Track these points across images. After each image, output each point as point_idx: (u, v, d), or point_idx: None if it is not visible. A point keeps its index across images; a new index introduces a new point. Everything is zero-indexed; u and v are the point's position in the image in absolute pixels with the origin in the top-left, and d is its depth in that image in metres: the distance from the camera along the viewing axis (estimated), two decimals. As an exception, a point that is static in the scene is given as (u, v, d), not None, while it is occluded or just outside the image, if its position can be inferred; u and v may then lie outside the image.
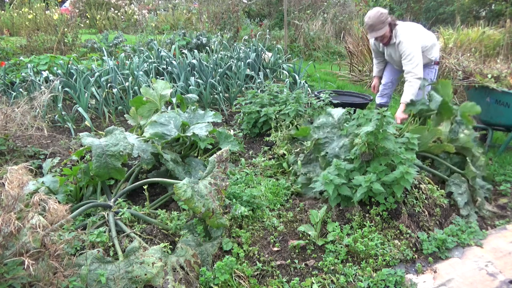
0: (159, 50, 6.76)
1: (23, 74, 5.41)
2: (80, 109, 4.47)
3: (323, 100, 4.62)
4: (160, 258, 2.02)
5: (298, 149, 3.73)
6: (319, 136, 3.23)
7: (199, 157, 3.46)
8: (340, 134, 3.18)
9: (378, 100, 4.37)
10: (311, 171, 3.29)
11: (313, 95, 5.41)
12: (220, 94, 5.30)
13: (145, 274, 1.92)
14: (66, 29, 8.70)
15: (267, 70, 6.78)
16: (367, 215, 2.69)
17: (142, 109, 3.59)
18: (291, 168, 3.53)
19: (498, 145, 4.15)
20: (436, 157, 3.27)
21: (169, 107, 4.40)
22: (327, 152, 3.07)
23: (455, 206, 2.93)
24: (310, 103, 4.62)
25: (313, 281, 2.22)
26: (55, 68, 5.72)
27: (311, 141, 3.32)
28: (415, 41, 3.62)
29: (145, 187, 2.62)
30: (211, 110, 3.73)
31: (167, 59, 6.31)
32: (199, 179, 2.44)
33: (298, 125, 4.14)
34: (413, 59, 3.58)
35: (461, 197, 2.92)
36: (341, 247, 2.44)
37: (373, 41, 3.99)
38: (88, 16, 15.45)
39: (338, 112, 3.33)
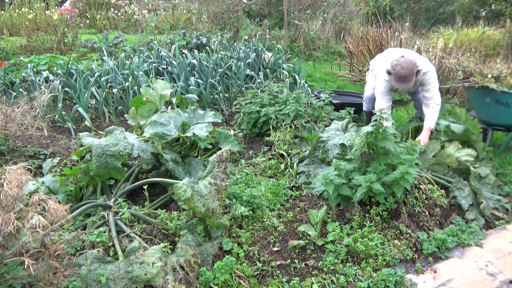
0: (159, 50, 6.76)
1: (23, 74, 5.41)
2: (80, 109, 4.47)
3: (323, 100, 4.63)
4: (160, 258, 2.02)
5: (298, 150, 3.74)
6: (322, 135, 3.46)
7: (199, 157, 3.46)
8: (342, 134, 3.39)
9: (367, 104, 4.18)
10: (311, 171, 3.34)
11: (313, 95, 5.41)
12: (220, 94, 5.30)
13: (145, 274, 1.92)
14: (66, 29, 8.70)
15: (267, 70, 6.78)
16: (367, 215, 2.69)
17: (142, 109, 3.59)
18: (288, 170, 3.53)
19: (498, 145, 4.15)
20: (439, 176, 3.22)
21: (169, 107, 4.41)
22: (327, 143, 3.34)
23: (455, 206, 2.93)
24: (310, 103, 4.62)
25: (313, 281, 2.22)
26: (55, 68, 5.72)
27: (314, 140, 3.42)
28: (434, 69, 3.58)
29: (145, 187, 2.62)
30: (211, 110, 3.73)
31: (167, 59, 6.30)
32: (199, 179, 2.44)
33: (303, 125, 4.16)
34: (436, 86, 3.51)
35: (465, 200, 2.89)
36: (341, 247, 2.44)
37: (387, 83, 3.62)
38: (88, 16, 15.45)
39: (344, 121, 3.71)
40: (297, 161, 3.60)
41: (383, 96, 3.68)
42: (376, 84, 3.81)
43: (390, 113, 3.74)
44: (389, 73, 3.49)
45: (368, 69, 4.18)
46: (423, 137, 3.43)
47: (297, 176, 3.40)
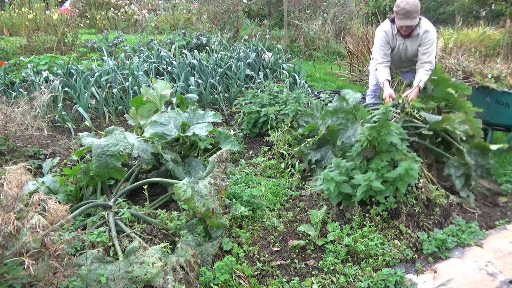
0: (159, 50, 6.76)
1: (23, 74, 5.41)
2: (80, 109, 4.48)
3: (323, 100, 4.63)
4: (160, 258, 2.02)
5: (305, 143, 3.72)
6: (332, 123, 3.14)
7: (199, 157, 3.46)
8: (355, 121, 3.10)
9: (371, 99, 4.26)
10: (324, 156, 3.21)
11: (313, 95, 5.42)
12: (220, 94, 5.30)
13: (145, 274, 1.92)
14: (66, 29, 8.70)
15: (267, 70, 6.78)
16: (367, 215, 2.69)
17: (142, 109, 3.59)
18: (290, 169, 3.52)
19: (498, 145, 4.14)
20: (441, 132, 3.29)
21: (169, 107, 4.40)
22: (343, 142, 3.03)
23: (455, 206, 2.95)
24: (310, 103, 4.62)
25: (313, 281, 2.22)
26: (55, 68, 5.72)
27: (325, 127, 3.20)
28: (435, 32, 3.69)
29: (145, 187, 2.62)
30: (211, 110, 3.73)
31: (167, 59, 6.31)
32: (199, 179, 2.44)
33: (299, 124, 4.14)
34: (433, 50, 3.62)
35: (459, 180, 3.07)
36: (341, 247, 2.44)
37: (385, 35, 3.74)
38: (88, 16, 15.45)
39: (353, 97, 3.17)
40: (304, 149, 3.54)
41: (381, 48, 3.75)
42: (375, 39, 3.89)
43: (387, 65, 3.80)
44: (392, 20, 3.64)
45: (371, 58, 4.20)
46: (412, 94, 3.49)
47: (305, 171, 3.36)
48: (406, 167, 2.54)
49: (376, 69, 3.85)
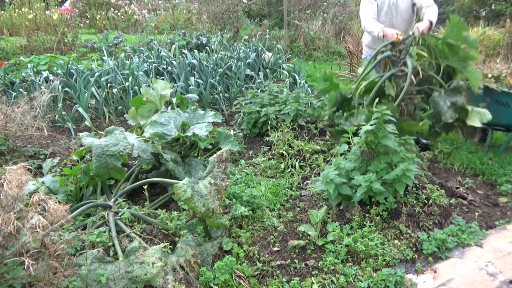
0: (159, 50, 6.76)
1: (23, 74, 5.41)
2: (80, 109, 4.48)
3: (323, 100, 4.62)
4: (160, 258, 2.02)
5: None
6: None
7: (199, 157, 3.46)
8: None
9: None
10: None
11: (313, 95, 5.41)
12: (220, 94, 5.30)
13: (145, 274, 1.92)
14: (66, 29, 8.71)
15: (267, 70, 6.78)
16: (367, 215, 2.69)
17: (142, 109, 3.59)
18: (290, 169, 3.52)
19: (498, 145, 4.14)
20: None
21: (169, 107, 4.40)
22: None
23: (455, 206, 2.94)
24: (310, 103, 4.62)
25: (313, 281, 2.22)
26: (55, 68, 5.73)
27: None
28: None
29: (145, 187, 2.62)
30: (211, 110, 3.74)
31: (167, 59, 6.31)
32: (199, 179, 2.44)
33: (298, 124, 4.16)
34: None
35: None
36: (341, 247, 2.44)
37: None
38: (88, 16, 15.45)
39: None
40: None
41: (368, 5, 3.86)
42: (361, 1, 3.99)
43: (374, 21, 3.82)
44: None
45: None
46: (422, 25, 3.40)
47: (306, 171, 3.38)
48: (403, 169, 2.54)
49: (368, 30, 3.83)
